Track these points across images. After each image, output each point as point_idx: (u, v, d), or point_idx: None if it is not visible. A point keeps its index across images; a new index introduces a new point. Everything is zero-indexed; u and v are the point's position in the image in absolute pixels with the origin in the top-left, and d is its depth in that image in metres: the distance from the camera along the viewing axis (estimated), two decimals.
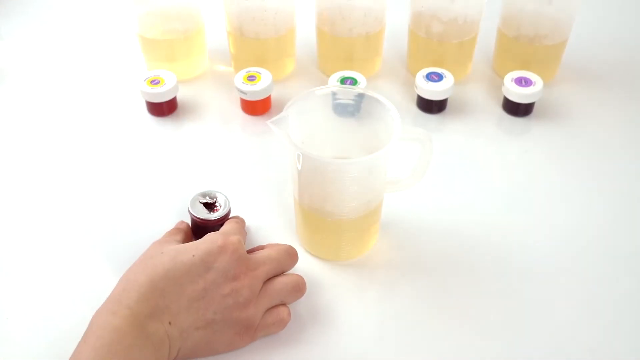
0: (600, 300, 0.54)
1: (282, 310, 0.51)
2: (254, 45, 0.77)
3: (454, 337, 0.52)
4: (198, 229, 0.57)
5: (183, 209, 0.59)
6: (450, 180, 0.66)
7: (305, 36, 0.81)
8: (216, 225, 0.56)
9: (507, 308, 0.54)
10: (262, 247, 0.54)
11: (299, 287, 0.52)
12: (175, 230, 0.57)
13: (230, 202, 0.58)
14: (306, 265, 0.57)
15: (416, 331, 0.52)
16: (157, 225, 0.58)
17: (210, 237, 0.51)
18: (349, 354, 0.50)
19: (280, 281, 0.52)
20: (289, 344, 0.51)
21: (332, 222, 0.54)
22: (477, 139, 0.71)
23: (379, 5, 0.75)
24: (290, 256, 0.53)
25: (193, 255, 0.48)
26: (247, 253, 0.51)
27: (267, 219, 0.61)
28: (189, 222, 0.58)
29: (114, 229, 0.60)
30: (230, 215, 0.58)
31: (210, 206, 0.57)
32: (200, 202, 0.57)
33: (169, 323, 0.46)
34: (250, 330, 0.49)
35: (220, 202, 0.57)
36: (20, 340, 0.51)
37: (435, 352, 0.51)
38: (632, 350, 0.51)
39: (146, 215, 0.62)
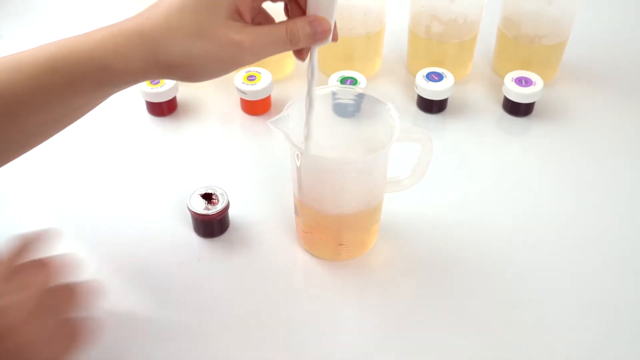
0: (601, 301, 0.54)
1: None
2: None
3: (454, 337, 0.51)
4: (197, 224, 0.58)
5: (183, 209, 0.59)
6: (450, 180, 0.66)
7: None
8: (215, 219, 0.57)
9: (507, 308, 0.54)
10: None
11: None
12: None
13: (229, 198, 0.58)
14: (306, 265, 0.57)
15: (416, 331, 0.52)
16: (156, 224, 0.58)
17: None
18: (349, 354, 0.50)
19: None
20: (289, 344, 0.51)
21: (332, 222, 0.54)
22: (477, 139, 0.71)
23: (379, 5, 0.75)
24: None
25: None
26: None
27: (267, 218, 0.61)
28: (190, 218, 0.59)
29: (114, 228, 0.60)
30: (229, 210, 0.58)
31: (208, 201, 0.57)
32: (199, 198, 0.58)
33: None
34: None
35: (218, 197, 0.58)
36: None
37: (436, 352, 0.50)
38: (631, 350, 0.51)
39: (146, 215, 0.61)
